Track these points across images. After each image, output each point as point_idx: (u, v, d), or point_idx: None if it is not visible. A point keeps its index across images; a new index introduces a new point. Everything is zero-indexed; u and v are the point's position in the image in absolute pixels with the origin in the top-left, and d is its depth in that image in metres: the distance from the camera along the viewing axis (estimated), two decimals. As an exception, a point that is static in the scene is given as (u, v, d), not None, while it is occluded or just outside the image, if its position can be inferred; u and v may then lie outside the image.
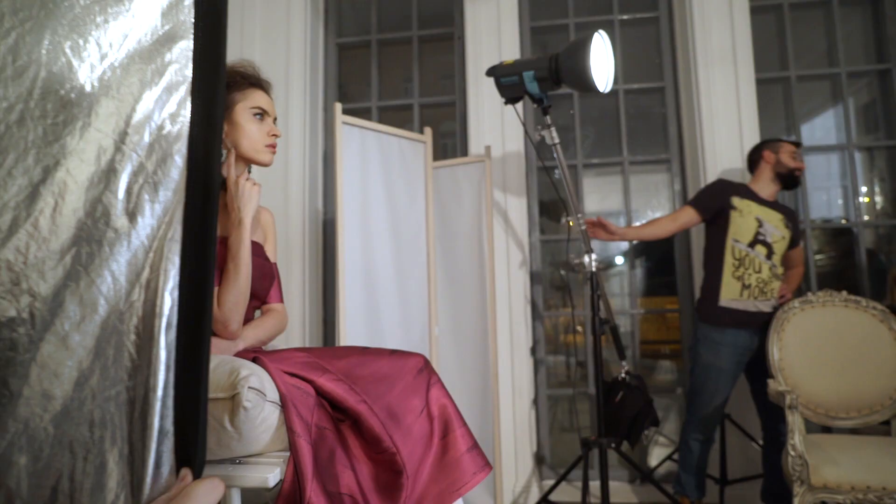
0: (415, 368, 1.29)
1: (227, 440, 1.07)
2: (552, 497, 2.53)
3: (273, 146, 1.46)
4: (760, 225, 2.44)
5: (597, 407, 2.28)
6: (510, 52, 3.21)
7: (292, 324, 3.00)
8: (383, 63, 3.67)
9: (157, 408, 0.59)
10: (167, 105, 0.62)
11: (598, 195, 3.65)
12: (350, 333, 2.27)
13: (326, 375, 1.21)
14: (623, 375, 2.52)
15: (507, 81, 2.24)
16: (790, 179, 2.50)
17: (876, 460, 1.85)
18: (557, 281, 3.43)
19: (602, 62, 2.15)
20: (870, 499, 1.78)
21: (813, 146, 3.21)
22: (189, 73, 0.62)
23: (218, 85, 0.63)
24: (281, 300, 1.54)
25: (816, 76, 3.28)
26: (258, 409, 1.06)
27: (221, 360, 1.13)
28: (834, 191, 3.42)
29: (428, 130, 2.79)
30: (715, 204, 2.50)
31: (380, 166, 2.50)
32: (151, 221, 0.61)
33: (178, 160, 0.62)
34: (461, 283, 2.71)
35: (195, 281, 0.61)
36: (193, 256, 0.62)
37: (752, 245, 2.42)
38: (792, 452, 1.86)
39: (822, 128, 3.37)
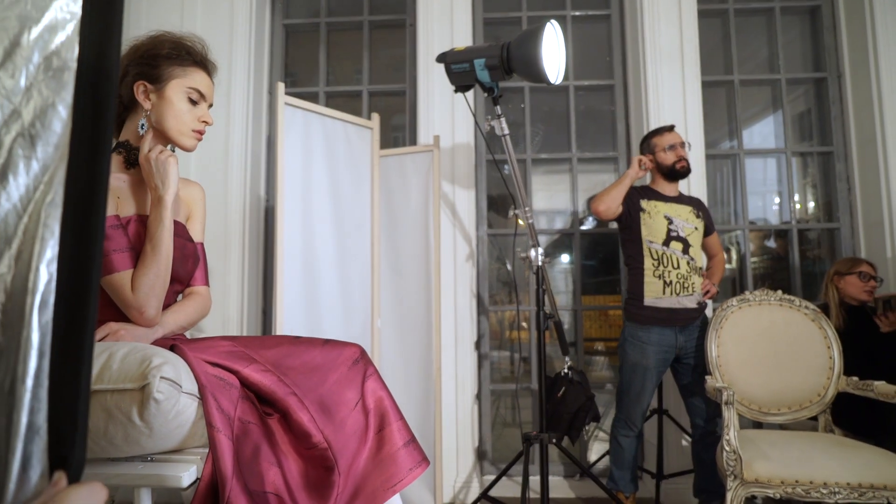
0: (350, 359, 1.22)
1: (136, 436, 0.97)
2: (493, 493, 2.51)
3: (201, 133, 1.36)
4: (670, 222, 2.47)
5: (539, 402, 2.25)
6: (462, 41, 3.16)
7: (230, 313, 2.86)
8: (333, 48, 3.56)
9: (27, 400, 0.50)
10: (49, 45, 0.53)
11: (547, 192, 3.65)
12: (287, 324, 2.17)
13: (253, 366, 1.13)
14: (566, 371, 2.51)
15: (458, 69, 2.18)
16: (676, 173, 2.53)
17: (804, 455, 1.89)
18: (504, 275, 3.41)
19: (553, 53, 2.12)
20: (798, 492, 1.83)
21: (752, 150, 3.31)
22: (78, 8, 0.53)
23: (113, 25, 0.54)
24: (206, 283, 1.43)
25: (758, 81, 3.38)
26: (172, 401, 0.97)
27: (133, 347, 1.02)
28: (770, 195, 3.54)
29: (375, 116, 2.70)
30: (626, 211, 2.52)
31: (324, 151, 2.39)
32: (26, 181, 0.52)
33: (62, 111, 0.53)
34: (406, 274, 2.64)
35: (78, 253, 0.53)
36: (77, 224, 0.53)
37: (666, 243, 2.45)
38: (727, 448, 1.88)
39: (759, 133, 3.47)
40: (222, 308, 2.87)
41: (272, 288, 2.19)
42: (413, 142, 3.10)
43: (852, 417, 2.30)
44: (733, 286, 3.49)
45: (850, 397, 2.26)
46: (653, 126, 2.99)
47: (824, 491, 1.80)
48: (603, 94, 3.38)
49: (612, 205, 2.48)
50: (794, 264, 3.13)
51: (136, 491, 1.02)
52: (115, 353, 1.00)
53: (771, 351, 2.33)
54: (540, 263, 2.32)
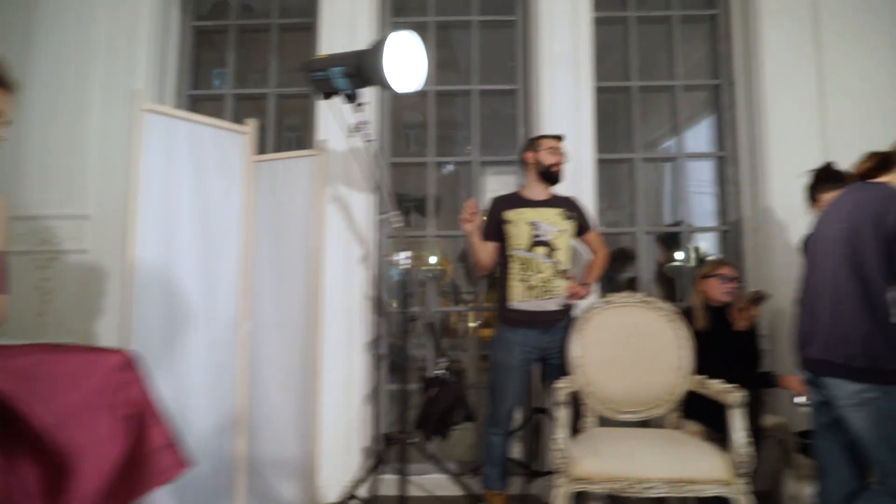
0: (112, 366, 1.26)
1: None
2: (361, 492, 2.57)
3: None
4: (535, 227, 2.53)
5: (400, 403, 2.31)
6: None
7: (88, 325, 2.89)
8: (243, 50, 3.59)
9: None
10: None
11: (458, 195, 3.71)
12: (142, 332, 2.21)
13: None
14: (440, 372, 2.57)
15: (317, 76, 2.23)
16: (549, 175, 2.60)
17: (633, 452, 1.97)
18: (415, 277, 3.46)
19: (405, 61, 2.17)
20: (622, 488, 1.90)
21: (649, 157, 3.39)
22: None
23: None
24: (3, 291, 1.47)
25: (656, 88, 3.46)
26: None
27: None
28: (667, 198, 3.63)
29: (251, 122, 2.74)
30: (492, 227, 2.61)
31: (190, 158, 2.43)
32: None
33: None
34: (290, 276, 2.68)
35: None
36: None
37: (530, 249, 2.52)
38: (555, 447, 1.95)
39: (693, 137, 3.55)
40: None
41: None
42: (311, 144, 3.15)
43: (705, 413, 2.38)
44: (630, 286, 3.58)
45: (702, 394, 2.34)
46: (545, 130, 3.06)
47: (644, 486, 1.87)
48: (507, 98, 3.44)
49: (486, 261, 2.61)
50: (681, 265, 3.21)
51: None
52: None
53: (629, 352, 2.40)
54: (407, 267, 2.39)
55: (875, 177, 1.81)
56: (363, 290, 3.00)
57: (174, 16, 3.41)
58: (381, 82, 2.11)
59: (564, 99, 3.12)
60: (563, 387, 2.07)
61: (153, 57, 3.19)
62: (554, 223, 2.56)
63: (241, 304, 2.63)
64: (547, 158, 2.60)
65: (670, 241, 3.80)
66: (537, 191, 2.62)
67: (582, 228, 2.66)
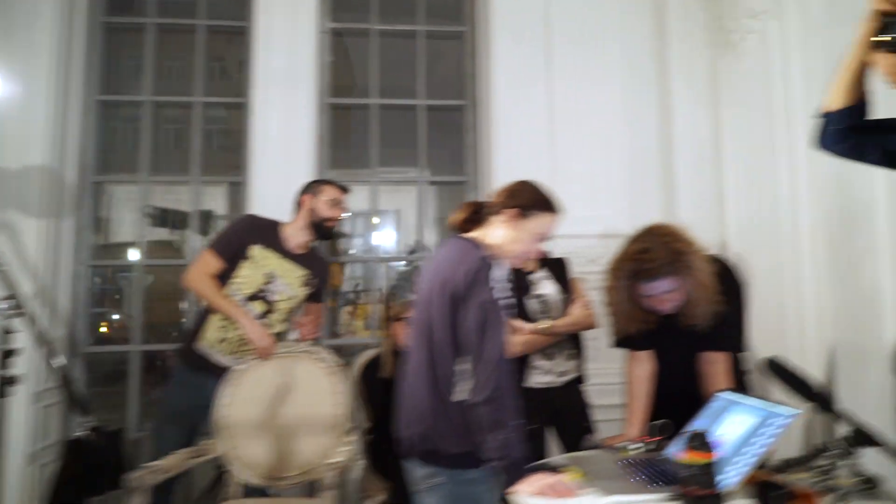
0: None
1: None
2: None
3: None
4: (269, 281, 2.25)
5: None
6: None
7: None
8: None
9: None
10: None
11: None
12: None
13: None
14: (85, 433, 2.22)
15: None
16: (321, 230, 2.31)
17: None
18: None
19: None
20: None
21: (387, 181, 3.19)
22: None
23: None
24: None
25: (400, 106, 3.26)
26: None
27: None
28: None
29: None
30: (233, 249, 2.25)
31: None
32: None
33: None
34: None
35: None
36: None
37: (249, 299, 2.23)
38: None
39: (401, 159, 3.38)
40: None
41: None
42: None
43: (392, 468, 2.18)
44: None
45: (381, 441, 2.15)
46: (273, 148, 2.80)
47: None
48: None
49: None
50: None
51: None
52: None
53: (283, 410, 2.16)
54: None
55: (467, 230, 1.62)
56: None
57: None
58: None
59: (280, 117, 2.85)
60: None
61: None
62: (290, 285, 2.28)
63: None
64: (324, 210, 2.28)
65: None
66: (298, 240, 2.30)
67: (313, 298, 2.38)
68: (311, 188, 2.33)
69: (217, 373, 2.20)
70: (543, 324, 2.14)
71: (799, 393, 1.24)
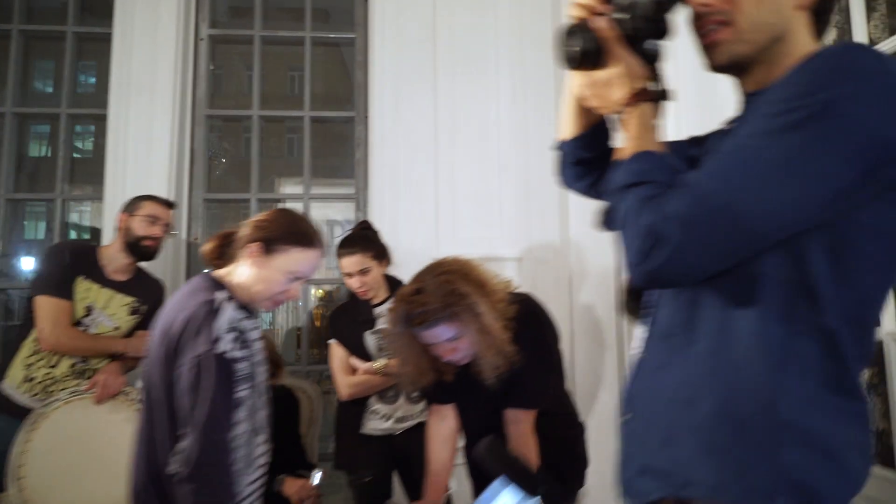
0: None
1: None
2: None
3: None
4: (88, 314, 2.00)
5: None
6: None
7: None
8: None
9: None
10: None
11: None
12: None
13: None
14: None
15: None
16: (138, 250, 2.06)
17: None
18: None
19: None
20: None
21: (266, 199, 2.96)
22: None
23: None
24: None
25: (280, 118, 3.05)
26: None
27: None
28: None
29: None
30: (68, 285, 1.97)
31: None
32: None
33: None
34: None
35: None
36: None
37: None
38: None
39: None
40: None
41: None
42: None
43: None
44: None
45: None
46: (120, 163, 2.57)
47: None
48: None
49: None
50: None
51: None
52: None
53: (92, 458, 1.92)
54: None
55: (218, 265, 1.37)
56: None
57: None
58: None
59: (137, 130, 2.63)
60: None
61: None
62: (114, 316, 2.03)
63: None
64: (140, 228, 2.04)
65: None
66: (117, 264, 2.06)
67: (144, 324, 2.05)
68: (128, 206, 2.10)
69: (22, 416, 1.96)
70: (380, 363, 1.92)
71: (516, 481, 1.02)
